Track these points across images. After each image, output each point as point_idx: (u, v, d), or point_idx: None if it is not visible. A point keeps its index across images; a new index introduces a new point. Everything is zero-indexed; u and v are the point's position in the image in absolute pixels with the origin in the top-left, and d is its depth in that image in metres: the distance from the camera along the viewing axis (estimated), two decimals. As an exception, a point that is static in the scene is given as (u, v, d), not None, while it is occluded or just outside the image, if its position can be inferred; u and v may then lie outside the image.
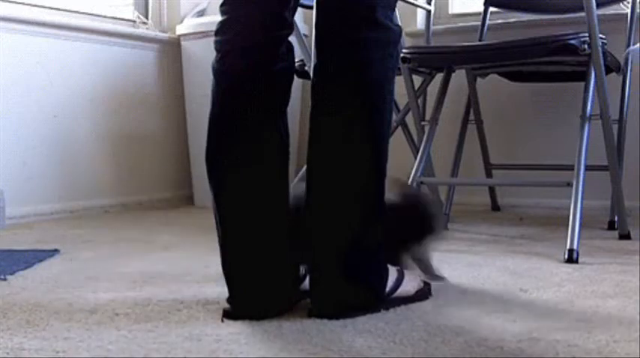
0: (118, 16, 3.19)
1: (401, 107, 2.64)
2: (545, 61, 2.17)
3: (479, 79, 2.61)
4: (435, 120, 2.29)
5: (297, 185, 1.35)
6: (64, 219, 2.72)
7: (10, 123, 2.64)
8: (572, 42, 1.96)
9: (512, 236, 2.19)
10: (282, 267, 1.27)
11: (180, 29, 3.19)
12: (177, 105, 3.24)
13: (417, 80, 2.49)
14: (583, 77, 2.06)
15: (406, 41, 2.78)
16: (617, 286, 1.47)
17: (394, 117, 2.47)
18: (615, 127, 2.28)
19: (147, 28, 3.24)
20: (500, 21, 2.85)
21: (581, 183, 1.92)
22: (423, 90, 2.61)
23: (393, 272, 1.32)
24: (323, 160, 1.27)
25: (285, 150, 1.29)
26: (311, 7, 1.56)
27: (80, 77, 2.88)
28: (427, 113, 2.62)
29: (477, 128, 2.67)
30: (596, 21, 1.95)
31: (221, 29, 1.28)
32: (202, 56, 2.98)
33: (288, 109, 1.31)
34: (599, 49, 1.98)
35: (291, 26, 1.30)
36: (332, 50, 1.28)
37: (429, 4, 2.84)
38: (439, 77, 2.41)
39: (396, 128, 2.65)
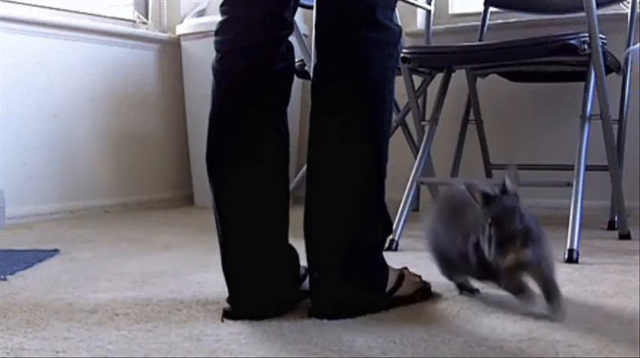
0: (118, 16, 3.19)
1: (401, 107, 2.64)
2: (545, 61, 2.17)
3: (479, 79, 2.61)
4: (435, 120, 2.29)
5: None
6: (64, 219, 2.72)
7: (10, 123, 2.64)
8: (572, 42, 1.96)
9: (512, 236, 2.18)
10: (282, 267, 1.27)
11: (180, 29, 3.19)
12: (177, 105, 3.24)
13: (417, 80, 2.49)
14: (583, 77, 2.06)
15: (406, 41, 2.78)
16: (617, 286, 1.47)
17: (394, 117, 2.47)
18: (615, 127, 2.28)
19: (147, 28, 3.24)
20: (500, 21, 2.84)
21: (581, 183, 1.92)
22: (423, 90, 2.61)
23: (393, 272, 1.32)
24: (323, 160, 1.27)
25: (285, 150, 1.29)
26: (311, 7, 1.56)
27: (80, 77, 2.88)
28: (427, 113, 2.62)
29: (477, 128, 2.67)
30: (596, 21, 1.95)
31: (221, 29, 1.28)
32: (202, 56, 2.98)
33: (288, 109, 1.31)
34: (599, 49, 1.98)
35: (291, 26, 1.30)
36: (332, 50, 1.28)
37: (429, 4, 2.84)
38: (439, 77, 2.41)
39: (396, 128, 2.65)
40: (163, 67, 3.23)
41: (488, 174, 2.77)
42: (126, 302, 1.35)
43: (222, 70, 1.28)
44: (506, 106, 2.92)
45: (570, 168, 1.97)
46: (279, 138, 1.28)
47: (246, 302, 1.25)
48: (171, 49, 3.24)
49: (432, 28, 2.86)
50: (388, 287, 1.29)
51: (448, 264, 1.37)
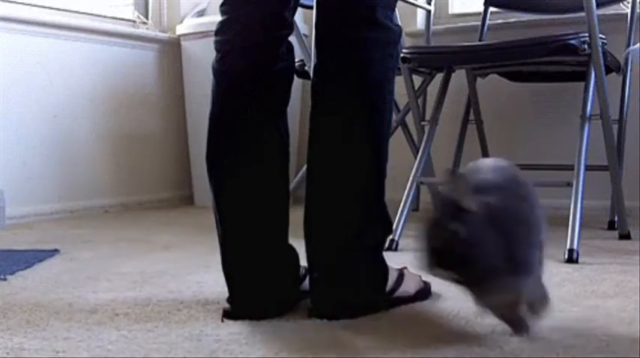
0: (118, 16, 3.19)
1: (401, 107, 2.64)
2: (545, 61, 2.17)
3: (479, 79, 2.61)
4: (435, 120, 2.29)
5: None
6: (64, 219, 2.72)
7: (10, 123, 2.64)
8: (572, 42, 1.96)
9: (512, 236, 2.18)
10: (282, 267, 1.27)
11: (180, 29, 3.19)
12: (177, 105, 3.24)
13: (417, 80, 2.49)
14: (583, 77, 2.06)
15: (406, 41, 2.78)
16: (617, 286, 1.47)
17: (394, 117, 2.47)
18: (615, 127, 2.28)
19: (147, 28, 3.24)
20: (500, 21, 2.84)
21: (581, 183, 1.92)
22: (423, 90, 2.61)
23: (393, 272, 1.32)
24: (323, 160, 1.27)
25: (285, 150, 1.29)
26: (311, 7, 1.56)
27: (80, 77, 2.88)
28: (427, 113, 2.62)
29: (477, 128, 2.67)
30: (596, 21, 1.95)
31: (221, 29, 1.28)
32: (202, 56, 2.98)
33: (288, 109, 1.31)
34: (599, 49, 1.98)
35: (291, 26, 1.30)
36: (332, 50, 1.28)
37: (429, 4, 2.84)
38: (439, 77, 2.41)
39: (396, 128, 2.65)
40: (163, 67, 3.23)
41: (489, 174, 2.77)
42: (126, 302, 1.35)
43: (222, 70, 1.28)
44: (506, 106, 2.92)
45: (570, 168, 1.97)
46: (279, 138, 1.28)
47: (246, 302, 1.25)
48: (171, 49, 3.24)
49: (432, 28, 2.86)
50: (388, 287, 1.29)
51: None
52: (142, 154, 3.14)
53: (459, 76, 2.53)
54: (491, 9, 2.76)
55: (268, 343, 1.09)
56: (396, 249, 1.95)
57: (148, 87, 3.18)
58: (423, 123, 2.35)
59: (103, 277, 1.60)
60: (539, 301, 1.10)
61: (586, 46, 1.96)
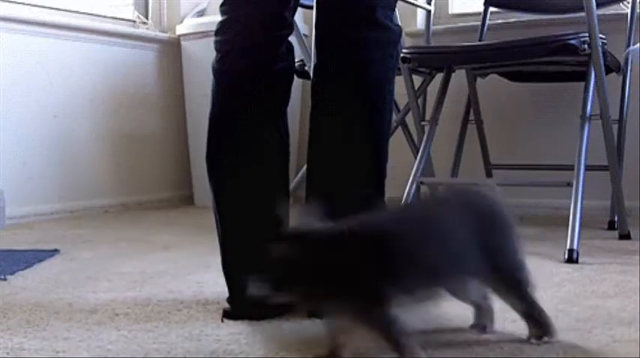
0: (118, 16, 3.19)
1: (401, 107, 2.64)
2: (545, 61, 2.17)
3: (479, 79, 2.61)
4: (435, 120, 2.29)
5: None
6: (64, 219, 2.72)
7: (10, 123, 2.64)
8: (572, 42, 1.96)
9: (512, 236, 2.18)
10: (282, 267, 1.27)
11: (180, 29, 3.19)
12: (177, 105, 3.24)
13: (417, 80, 2.49)
14: (583, 77, 2.06)
15: (406, 41, 2.78)
16: (617, 286, 1.47)
17: (394, 117, 2.47)
18: (615, 127, 2.28)
19: (147, 28, 3.24)
20: (500, 21, 2.84)
21: (581, 183, 1.92)
22: (423, 90, 2.61)
23: (393, 272, 1.32)
24: (323, 160, 1.27)
25: (285, 150, 1.29)
26: (311, 7, 1.56)
27: (80, 77, 2.88)
28: (427, 113, 2.62)
29: (477, 128, 2.67)
30: (596, 21, 1.95)
31: (221, 29, 1.28)
32: (202, 56, 2.98)
33: (288, 109, 1.31)
34: (599, 49, 1.98)
35: (291, 26, 1.30)
36: (332, 50, 1.28)
37: (429, 4, 2.84)
38: (439, 77, 2.41)
39: (396, 128, 2.65)
40: (163, 67, 3.23)
41: (489, 174, 2.77)
42: (126, 302, 1.35)
43: (222, 70, 1.28)
44: (506, 106, 2.92)
45: (570, 168, 1.97)
46: (279, 138, 1.28)
47: (247, 303, 1.25)
48: (171, 49, 3.23)
49: (432, 28, 2.86)
50: (388, 287, 1.29)
51: None
52: (142, 154, 3.14)
53: (459, 76, 2.53)
54: (491, 9, 2.77)
55: (268, 343, 1.09)
56: (396, 249, 1.95)
57: (148, 87, 3.18)
58: (423, 123, 2.35)
59: (103, 277, 1.60)
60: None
61: (586, 46, 1.96)
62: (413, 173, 2.19)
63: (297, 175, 2.61)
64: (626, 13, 2.43)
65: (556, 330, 1.07)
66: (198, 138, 3.05)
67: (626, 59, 2.32)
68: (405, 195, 2.12)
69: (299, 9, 1.42)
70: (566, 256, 1.76)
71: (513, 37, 2.19)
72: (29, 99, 2.71)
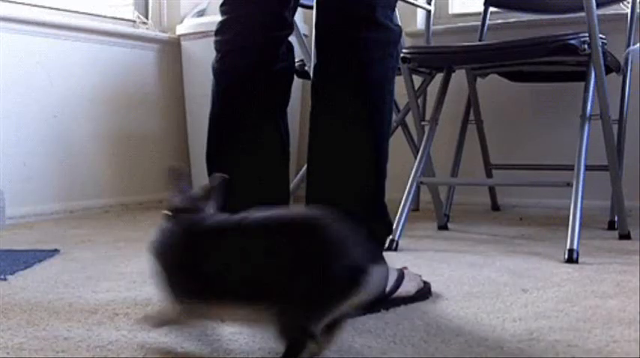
0: (118, 16, 3.19)
1: (401, 107, 2.64)
2: (545, 61, 2.17)
3: (479, 79, 2.61)
4: (435, 120, 2.29)
5: None
6: (64, 219, 2.72)
7: (10, 123, 2.64)
8: (572, 42, 1.96)
9: (512, 236, 2.19)
10: (282, 267, 1.27)
11: (180, 29, 3.19)
12: (177, 105, 3.24)
13: (417, 80, 2.49)
14: (583, 77, 2.06)
15: (406, 41, 2.78)
16: (617, 286, 1.47)
17: (394, 117, 2.47)
18: (615, 127, 2.28)
19: (147, 28, 3.24)
20: (500, 21, 2.85)
21: (581, 183, 1.92)
22: (423, 90, 2.61)
23: (393, 272, 1.32)
24: (323, 160, 1.27)
25: (285, 150, 1.29)
26: (311, 7, 1.56)
27: (80, 77, 2.88)
28: (427, 113, 2.62)
29: (477, 128, 2.67)
30: (596, 21, 1.95)
31: (221, 29, 1.28)
32: (202, 56, 2.98)
33: (288, 109, 1.31)
34: (599, 49, 1.98)
35: (291, 26, 1.30)
36: (332, 50, 1.28)
37: (429, 4, 2.84)
38: (439, 77, 2.41)
39: (396, 128, 2.65)
40: (163, 67, 3.23)
41: (489, 174, 2.77)
42: (126, 302, 1.35)
43: (222, 70, 1.28)
44: (506, 106, 2.92)
45: (570, 168, 1.97)
46: (279, 138, 1.28)
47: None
48: (171, 49, 3.23)
49: (432, 28, 2.86)
50: (388, 288, 1.29)
51: None
52: (142, 154, 3.14)
53: (459, 76, 2.53)
54: (491, 9, 2.77)
55: (268, 343, 1.09)
56: (396, 249, 1.95)
57: (148, 87, 3.18)
58: (423, 123, 2.35)
59: (103, 277, 1.60)
60: None
61: (586, 46, 1.96)
62: (413, 173, 2.19)
63: (297, 175, 2.61)
64: (626, 13, 2.43)
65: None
66: (198, 138, 3.06)
67: (626, 59, 2.32)
68: (405, 195, 2.12)
69: (299, 9, 1.42)
70: (566, 256, 1.76)
71: (513, 37, 2.19)
72: (29, 99, 2.71)
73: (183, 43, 3.17)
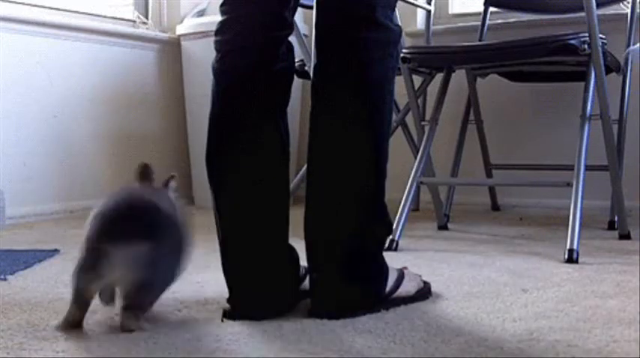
0: (118, 16, 3.19)
1: (401, 107, 2.64)
2: (545, 61, 2.17)
3: (479, 79, 2.61)
4: (435, 120, 2.29)
5: None
6: (64, 219, 2.72)
7: (10, 123, 2.64)
8: (572, 42, 1.96)
9: (512, 236, 2.19)
10: (282, 267, 1.27)
11: (180, 29, 3.19)
12: (177, 105, 3.24)
13: (417, 80, 2.49)
14: (583, 77, 2.06)
15: (406, 41, 2.78)
16: (617, 286, 1.47)
17: (394, 117, 2.47)
18: (615, 127, 2.28)
19: (147, 28, 3.24)
20: (500, 21, 2.85)
21: (581, 183, 1.92)
22: (423, 90, 2.61)
23: (393, 272, 1.32)
24: (323, 160, 1.27)
25: (285, 150, 1.29)
26: (311, 7, 1.56)
27: (80, 77, 2.88)
28: (427, 113, 2.62)
29: (477, 128, 2.67)
30: (596, 21, 1.95)
31: (221, 29, 1.28)
32: (202, 56, 2.98)
33: (288, 109, 1.31)
34: (599, 49, 1.98)
35: (291, 26, 1.30)
36: (332, 50, 1.28)
37: (429, 4, 2.84)
38: (439, 77, 2.41)
39: (396, 128, 2.65)
40: (163, 67, 3.23)
41: (489, 174, 2.77)
42: (126, 302, 1.35)
43: (222, 70, 1.28)
44: (506, 106, 2.92)
45: (570, 168, 1.97)
46: (279, 138, 1.28)
47: (246, 303, 1.25)
48: (171, 49, 3.23)
49: (432, 28, 2.86)
50: (388, 288, 1.29)
51: None
52: (141, 154, 3.14)
53: (459, 76, 2.53)
54: (491, 9, 2.77)
55: (268, 343, 1.09)
56: (396, 249, 1.95)
57: (148, 87, 3.18)
58: (423, 123, 2.35)
59: (103, 277, 1.60)
60: None
61: (586, 46, 1.96)
62: (413, 173, 2.19)
63: (297, 175, 2.61)
64: (626, 13, 2.43)
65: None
66: (198, 138, 3.05)
67: (626, 59, 2.32)
68: (405, 195, 2.12)
69: (299, 9, 1.42)
70: (566, 256, 1.76)
71: (513, 37, 2.19)
72: (29, 99, 2.71)
73: (183, 43, 3.18)
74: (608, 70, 2.17)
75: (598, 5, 1.99)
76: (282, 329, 1.16)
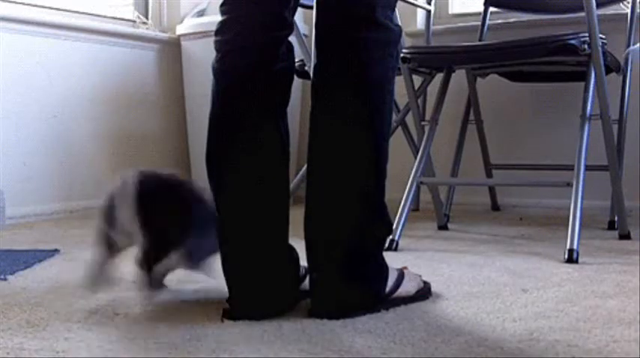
0: (118, 16, 3.19)
1: (401, 107, 2.64)
2: (545, 61, 2.17)
3: (479, 79, 2.61)
4: (435, 120, 2.29)
5: None
6: (64, 219, 2.72)
7: (10, 123, 2.64)
8: (572, 42, 1.96)
9: (512, 236, 2.19)
10: (282, 267, 1.27)
11: (180, 29, 3.19)
12: (177, 105, 3.24)
13: (417, 80, 2.49)
14: (583, 77, 2.06)
15: (406, 41, 2.78)
16: (617, 286, 1.47)
17: (394, 117, 2.47)
18: (615, 127, 2.28)
19: (147, 28, 3.25)
20: (500, 21, 2.85)
21: (581, 183, 1.92)
22: (423, 90, 2.61)
23: (393, 272, 1.32)
24: (323, 160, 1.27)
25: (285, 150, 1.29)
26: (311, 7, 1.56)
27: (80, 77, 2.88)
28: (427, 113, 2.62)
29: (477, 128, 2.67)
30: (596, 21, 1.95)
31: (221, 29, 1.28)
32: (202, 56, 2.98)
33: (288, 109, 1.31)
34: (599, 49, 1.98)
35: (291, 26, 1.30)
36: (332, 50, 1.28)
37: (429, 4, 2.84)
38: (439, 77, 2.41)
39: (396, 128, 2.65)
40: (163, 67, 3.23)
41: (489, 174, 2.77)
42: (126, 302, 1.35)
43: (222, 70, 1.28)
44: (506, 106, 2.92)
45: (570, 168, 1.97)
46: (279, 138, 1.28)
47: (246, 302, 1.25)
48: (171, 49, 3.24)
49: (432, 28, 2.86)
50: (388, 288, 1.29)
51: None
52: (142, 154, 3.14)
53: (459, 76, 2.53)
54: (491, 9, 2.77)
55: (268, 343, 1.09)
56: (396, 249, 1.95)
57: (148, 87, 3.18)
58: (423, 123, 2.36)
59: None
60: None
61: (586, 46, 1.96)
62: (413, 173, 2.19)
63: (297, 175, 2.61)
64: (626, 13, 2.43)
65: None
66: (198, 138, 3.06)
67: (626, 59, 2.32)
68: (405, 195, 2.12)
69: (299, 9, 1.42)
70: (566, 256, 1.76)
71: (513, 37, 2.19)
72: (29, 99, 2.71)
73: (183, 43, 3.18)
74: (608, 70, 2.17)
75: (598, 5, 1.99)
76: (282, 329, 1.16)
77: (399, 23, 1.34)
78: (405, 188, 2.14)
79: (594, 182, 2.11)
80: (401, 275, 1.33)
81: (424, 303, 1.33)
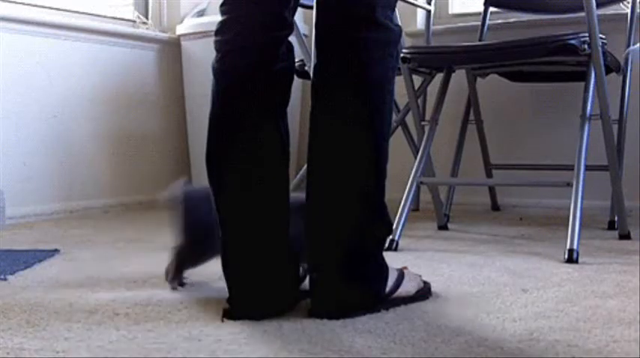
0: (118, 16, 3.19)
1: (401, 107, 2.65)
2: (545, 61, 2.17)
3: (479, 79, 2.61)
4: (435, 120, 2.29)
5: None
6: (64, 219, 2.72)
7: (10, 123, 2.64)
8: (572, 42, 1.96)
9: (512, 236, 2.19)
10: (282, 267, 1.27)
11: (180, 29, 3.19)
12: (177, 105, 3.24)
13: (417, 80, 2.49)
14: (583, 77, 2.06)
15: (406, 41, 2.78)
16: (617, 286, 1.47)
17: (394, 117, 2.47)
18: (615, 127, 2.28)
19: (147, 28, 3.25)
20: (500, 21, 2.85)
21: (581, 183, 1.92)
22: (423, 90, 2.61)
23: (393, 272, 1.32)
24: (323, 161, 1.27)
25: (285, 150, 1.29)
26: (311, 7, 1.56)
27: (80, 77, 2.88)
28: (427, 113, 2.62)
29: (477, 128, 2.67)
30: (596, 21, 1.95)
31: (221, 29, 1.28)
32: (202, 56, 2.98)
33: (288, 109, 1.31)
34: (599, 49, 1.98)
35: (291, 26, 1.30)
36: (332, 50, 1.28)
37: (429, 4, 2.84)
38: (439, 77, 2.41)
39: (396, 128, 2.65)
40: (163, 67, 3.23)
41: (489, 174, 2.77)
42: (126, 302, 1.35)
43: (222, 70, 1.28)
44: (506, 106, 2.92)
45: (570, 168, 1.97)
46: (279, 138, 1.28)
47: (246, 302, 1.25)
48: (171, 49, 3.24)
49: (432, 28, 2.86)
50: (388, 288, 1.29)
51: None
52: (142, 154, 3.14)
53: (459, 76, 2.53)
54: (491, 9, 2.77)
55: (268, 343, 1.09)
56: (396, 249, 1.95)
57: (148, 87, 3.18)
58: (423, 123, 2.36)
59: (103, 277, 1.60)
60: None
61: (586, 46, 1.96)
62: (413, 173, 2.19)
63: (297, 175, 2.61)
64: (626, 13, 2.43)
65: None
66: (198, 138, 3.06)
67: (626, 59, 2.32)
68: (405, 195, 2.12)
69: (299, 9, 1.42)
70: (566, 256, 1.76)
71: (513, 37, 2.19)
72: (29, 99, 2.71)
73: (183, 43, 3.18)
74: (608, 70, 2.17)
75: (598, 5, 1.99)
76: (282, 329, 1.16)
77: (399, 23, 1.34)
78: (405, 188, 2.14)
79: (594, 182, 2.11)
80: (401, 275, 1.33)
81: (424, 303, 1.33)
